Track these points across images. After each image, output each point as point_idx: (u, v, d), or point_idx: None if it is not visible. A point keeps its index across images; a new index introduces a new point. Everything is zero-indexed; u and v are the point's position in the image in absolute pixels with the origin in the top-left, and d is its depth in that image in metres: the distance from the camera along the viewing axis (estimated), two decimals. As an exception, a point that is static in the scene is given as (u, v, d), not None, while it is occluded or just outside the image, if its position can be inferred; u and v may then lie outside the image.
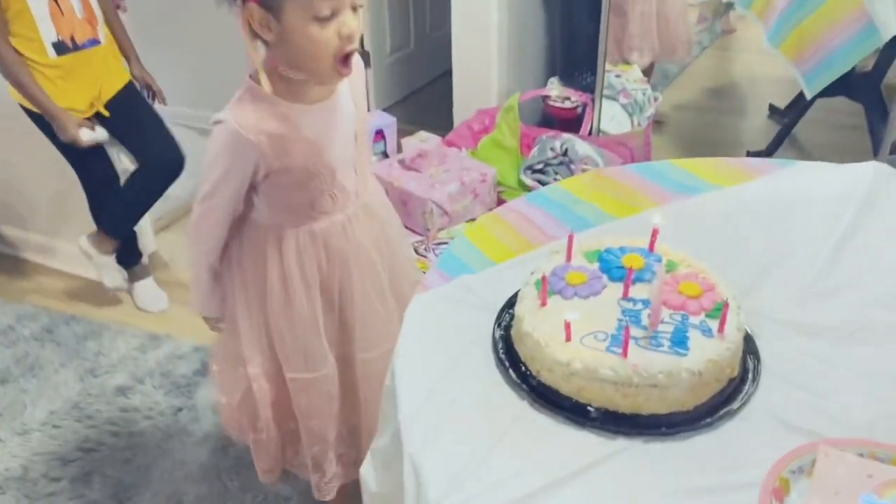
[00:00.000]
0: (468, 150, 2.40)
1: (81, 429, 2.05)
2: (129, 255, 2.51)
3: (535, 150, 2.34)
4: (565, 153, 2.28)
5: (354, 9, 1.19)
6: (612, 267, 1.10)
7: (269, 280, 1.40)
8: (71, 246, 2.64)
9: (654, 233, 1.13)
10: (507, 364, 1.03)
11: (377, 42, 3.58)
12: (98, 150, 2.26)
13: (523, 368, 1.02)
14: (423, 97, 3.91)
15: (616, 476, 0.90)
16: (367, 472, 1.07)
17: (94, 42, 2.19)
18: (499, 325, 1.10)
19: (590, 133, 2.51)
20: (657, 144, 3.20)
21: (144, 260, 2.63)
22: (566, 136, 2.34)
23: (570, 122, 2.62)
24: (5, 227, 2.76)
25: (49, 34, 2.10)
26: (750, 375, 1.02)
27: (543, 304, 1.05)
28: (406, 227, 2.17)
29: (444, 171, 2.17)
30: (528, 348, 1.01)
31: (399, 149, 2.29)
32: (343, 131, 1.34)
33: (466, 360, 1.05)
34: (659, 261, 1.11)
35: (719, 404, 0.97)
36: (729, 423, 0.96)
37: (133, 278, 2.54)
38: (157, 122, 2.31)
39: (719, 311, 1.00)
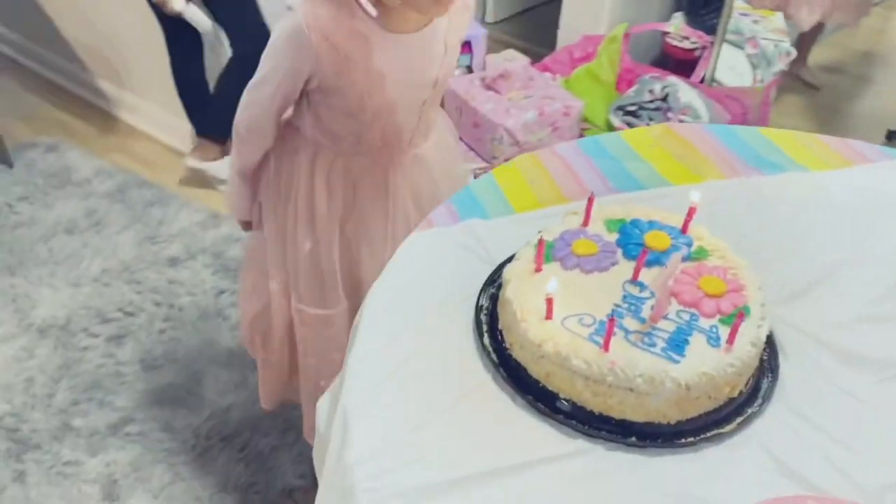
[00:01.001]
0: (562, 77, 2.22)
1: (128, 291, 2.11)
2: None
3: (632, 90, 2.13)
4: (665, 98, 2.06)
5: None
6: (630, 242, 0.96)
7: (297, 193, 1.31)
8: (159, 110, 2.68)
9: (691, 212, 0.97)
10: (482, 329, 0.93)
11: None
12: (190, 29, 2.23)
13: (499, 338, 0.91)
14: (543, 14, 3.66)
15: (562, 479, 0.79)
16: (321, 410, 1.00)
17: None
18: (491, 284, 0.98)
19: (702, 81, 2.25)
20: (784, 107, 2.88)
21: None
22: (671, 79, 2.11)
23: (686, 64, 2.37)
24: (103, 82, 2.82)
25: None
26: (759, 398, 0.87)
27: (538, 269, 0.92)
28: (471, 151, 2.05)
29: (525, 96, 2.01)
30: (506, 317, 0.90)
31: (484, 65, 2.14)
32: (421, 73, 1.21)
33: (443, 314, 0.95)
34: (688, 244, 0.96)
35: (709, 424, 0.83)
36: (713, 448, 0.82)
37: (213, 156, 2.55)
38: (255, 10, 2.23)
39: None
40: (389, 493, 0.75)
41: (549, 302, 0.85)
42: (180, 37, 2.29)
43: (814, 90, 3.04)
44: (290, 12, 1.14)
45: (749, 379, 0.87)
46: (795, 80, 3.01)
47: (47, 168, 2.55)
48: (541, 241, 0.91)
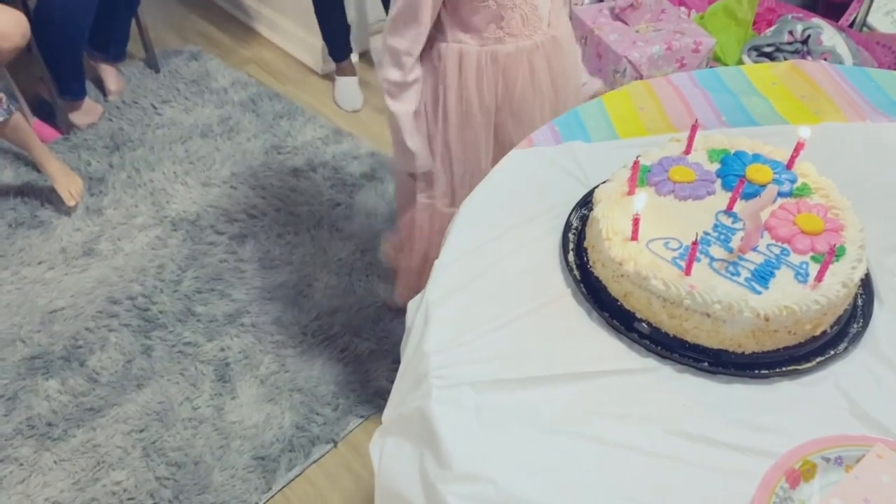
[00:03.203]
0: (697, 13, 2.12)
1: (253, 196, 2.24)
2: (339, 49, 2.59)
3: (771, 29, 2.01)
4: (806, 41, 1.94)
5: None
6: (730, 173, 0.94)
7: (447, 103, 1.35)
8: (295, 25, 2.78)
9: (798, 147, 0.94)
10: (568, 246, 0.94)
11: None
12: None
13: (584, 256, 0.93)
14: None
15: (627, 389, 0.81)
16: (411, 308, 1.05)
17: None
18: (583, 205, 1.00)
19: (851, 25, 2.10)
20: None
21: (354, 58, 2.70)
22: (815, 20, 1.98)
23: (837, 6, 2.21)
24: (246, -4, 2.94)
25: None
26: (845, 341, 0.85)
27: (631, 192, 0.92)
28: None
29: (654, 29, 1.95)
30: (592, 235, 0.91)
31: (615, -6, 2.07)
32: None
33: (533, 229, 0.97)
34: (791, 180, 0.93)
35: (786, 359, 0.83)
36: (787, 382, 0.82)
37: (339, 73, 2.63)
38: None
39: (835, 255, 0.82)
40: (459, 382, 0.79)
41: (636, 223, 0.85)
42: None
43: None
44: None
45: (837, 320, 0.85)
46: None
47: (189, 75, 2.71)
48: (635, 164, 0.91)
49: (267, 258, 2.06)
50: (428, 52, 1.34)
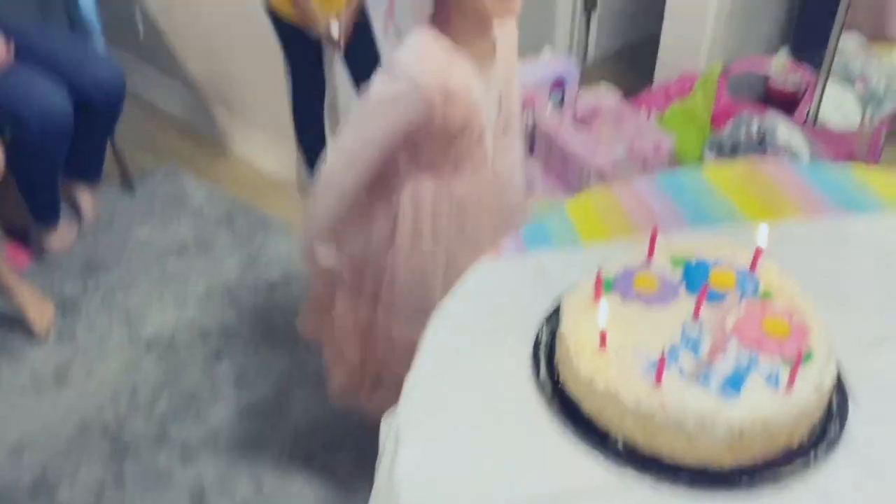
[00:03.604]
0: (657, 113, 2.20)
1: (229, 312, 2.23)
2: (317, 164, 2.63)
3: (728, 127, 2.08)
4: (763, 136, 2.01)
5: None
6: (694, 279, 0.94)
7: (401, 234, 1.37)
8: (267, 139, 2.84)
9: (758, 251, 0.95)
10: (539, 361, 0.93)
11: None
12: (320, 68, 2.33)
13: (555, 371, 0.92)
14: (642, 51, 3.63)
15: (607, 512, 0.78)
16: (384, 427, 1.03)
17: None
18: (551, 316, 0.99)
19: (805, 120, 2.17)
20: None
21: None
22: (770, 116, 2.05)
23: (789, 102, 2.29)
24: (218, 111, 3.00)
25: None
26: (823, 444, 0.83)
27: (596, 301, 0.92)
28: (561, 187, 2.06)
29: (615, 132, 2.01)
30: (561, 350, 0.90)
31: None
32: (493, 97, 1.29)
33: (503, 343, 0.97)
34: (754, 284, 0.93)
35: (766, 466, 0.81)
36: (769, 493, 0.79)
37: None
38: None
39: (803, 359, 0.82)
40: (432, 511, 0.77)
41: (603, 335, 0.85)
42: (306, 71, 2.39)
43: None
44: (387, 72, 1.20)
45: (813, 427, 0.84)
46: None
47: (165, 194, 2.73)
48: (598, 273, 0.92)
49: (243, 376, 2.02)
50: (383, 188, 1.37)
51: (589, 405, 0.85)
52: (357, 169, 1.30)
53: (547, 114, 2.12)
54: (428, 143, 1.27)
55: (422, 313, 1.36)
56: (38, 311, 2.11)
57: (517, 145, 1.44)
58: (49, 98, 2.14)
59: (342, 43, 2.16)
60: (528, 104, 2.14)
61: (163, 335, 2.15)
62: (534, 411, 0.88)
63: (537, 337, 0.96)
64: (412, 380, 0.92)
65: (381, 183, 1.37)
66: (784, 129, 2.01)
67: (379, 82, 1.21)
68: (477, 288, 1.06)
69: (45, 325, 2.11)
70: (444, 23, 1.18)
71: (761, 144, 1.99)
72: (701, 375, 0.82)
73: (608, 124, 2.04)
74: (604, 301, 0.91)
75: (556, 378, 0.90)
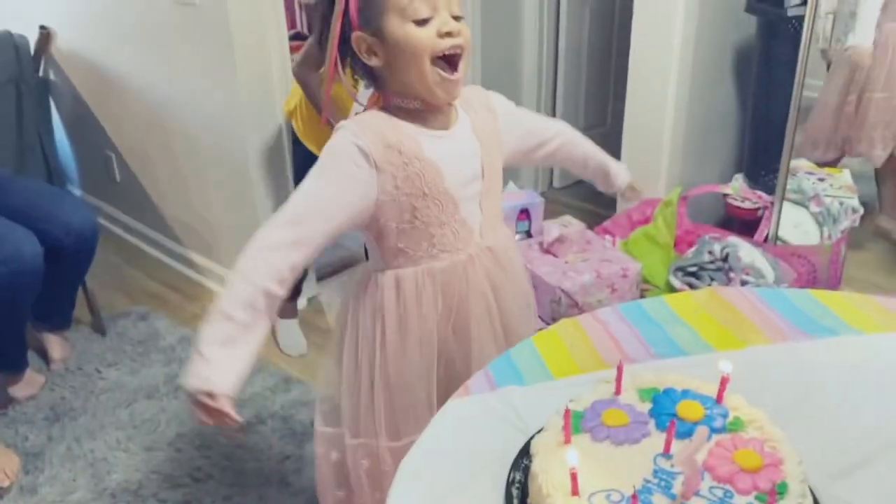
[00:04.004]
0: (621, 240, 2.25)
1: (198, 457, 2.16)
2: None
3: (691, 251, 2.13)
4: (726, 258, 2.06)
5: (457, 18, 1.19)
6: (663, 412, 0.94)
7: (386, 331, 1.32)
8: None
9: (723, 382, 0.95)
10: (511, 501, 0.91)
11: (569, 117, 3.52)
12: None
13: (529, 512, 0.89)
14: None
15: None
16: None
17: None
18: (524, 455, 0.97)
19: (765, 240, 2.24)
20: (860, 264, 2.79)
21: (302, 302, 2.75)
22: (731, 239, 2.11)
23: (750, 224, 2.37)
24: (192, 253, 3.03)
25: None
26: (807, 585, 0.80)
27: (566, 441, 0.91)
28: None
29: (582, 259, 2.05)
30: (533, 493, 0.88)
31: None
32: (465, 165, 1.29)
33: (475, 486, 0.94)
34: (723, 415, 0.93)
35: None
36: None
37: (280, 314, 2.66)
38: None
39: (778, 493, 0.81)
40: None
41: (574, 477, 0.83)
42: None
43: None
44: (334, 134, 1.22)
45: (795, 563, 0.81)
46: (884, 237, 2.95)
47: (137, 336, 2.71)
48: (567, 412, 0.91)
49: (213, 525, 1.94)
50: (364, 283, 1.35)
51: (564, 551, 0.82)
52: (297, 231, 1.19)
53: (515, 240, 2.16)
54: (391, 217, 1.23)
55: (418, 418, 1.32)
56: (3, 463, 2.03)
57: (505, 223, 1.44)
58: (18, 244, 2.15)
59: None
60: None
61: (129, 484, 2.07)
62: (509, 560, 0.85)
63: (509, 479, 0.94)
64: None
65: (364, 279, 1.34)
66: (746, 250, 2.06)
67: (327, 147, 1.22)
68: (445, 430, 1.04)
69: (10, 477, 2.03)
70: (387, 106, 1.24)
71: (725, 264, 2.04)
72: (676, 515, 0.80)
73: (574, 251, 2.08)
74: (575, 440, 0.90)
75: (530, 523, 0.88)
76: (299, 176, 2.42)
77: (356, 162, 1.19)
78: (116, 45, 2.92)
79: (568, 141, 1.56)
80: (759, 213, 2.36)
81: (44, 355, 2.54)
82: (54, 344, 2.53)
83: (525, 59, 3.41)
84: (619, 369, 0.98)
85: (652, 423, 0.93)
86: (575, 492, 0.83)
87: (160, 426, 2.27)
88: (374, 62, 1.20)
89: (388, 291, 1.31)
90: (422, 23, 1.16)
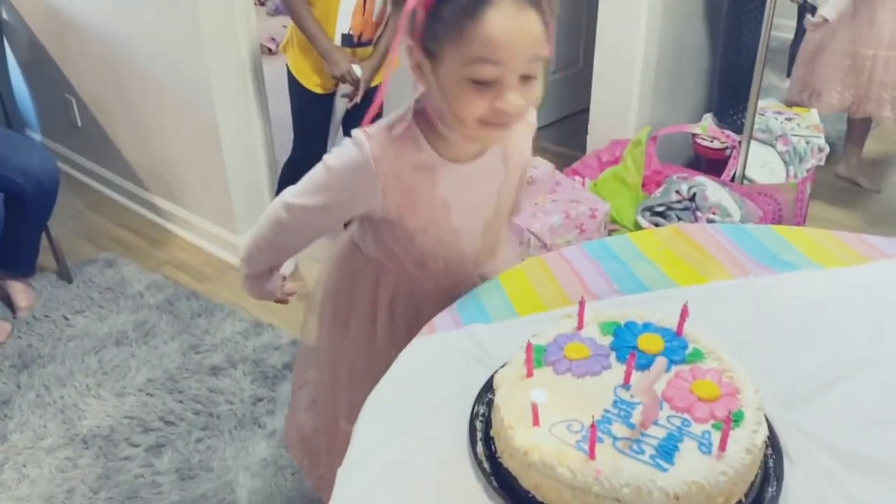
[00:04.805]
0: (591, 181, 2.25)
1: (170, 401, 2.16)
2: None
3: (659, 190, 2.14)
4: (693, 198, 2.07)
5: (526, 78, 1.00)
6: (623, 345, 0.95)
7: (357, 316, 1.29)
8: (209, 225, 2.81)
9: (684, 313, 0.96)
10: (476, 437, 0.92)
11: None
12: (325, 129, 2.39)
13: (492, 446, 0.90)
14: (577, 121, 3.75)
15: None
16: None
17: (370, 43, 2.30)
18: (488, 390, 0.98)
19: (732, 179, 2.26)
20: (825, 204, 2.83)
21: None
22: (698, 178, 2.12)
23: (717, 164, 2.38)
24: (157, 198, 2.99)
25: (343, 25, 2.22)
26: (760, 508, 0.83)
27: (529, 374, 0.92)
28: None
29: (551, 200, 2.05)
30: (496, 424, 0.89)
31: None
32: (482, 193, 1.19)
33: (439, 420, 0.95)
34: (683, 347, 0.95)
35: (703, 536, 0.80)
36: (710, 562, 0.79)
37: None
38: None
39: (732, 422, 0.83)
40: None
41: (535, 408, 0.84)
42: (313, 130, 2.42)
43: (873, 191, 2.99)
44: (350, 143, 1.11)
45: (750, 487, 0.84)
46: (847, 181, 2.98)
47: (104, 282, 2.67)
48: (529, 346, 0.92)
49: (186, 467, 1.95)
50: (347, 252, 1.29)
51: (527, 480, 0.84)
52: (307, 233, 1.23)
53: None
54: (386, 230, 1.19)
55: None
56: (-32, 412, 2.02)
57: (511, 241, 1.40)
58: (-24, 191, 2.10)
59: (362, 87, 2.22)
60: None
61: (101, 429, 2.07)
62: (472, 488, 0.87)
63: (473, 412, 0.95)
64: (344, 469, 0.90)
65: (346, 264, 1.30)
66: (713, 190, 2.08)
67: (342, 146, 1.13)
68: (411, 367, 1.05)
69: (-24, 426, 2.02)
70: (424, 117, 1.10)
71: (692, 203, 2.05)
72: (634, 444, 0.82)
73: (544, 193, 2.08)
74: (537, 373, 0.91)
75: (493, 453, 0.89)
76: (295, 111, 2.40)
77: (365, 185, 1.10)
78: (71, -18, 2.81)
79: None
80: (727, 152, 2.37)
81: (9, 304, 2.51)
82: (19, 292, 2.50)
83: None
84: (581, 304, 0.98)
85: (613, 355, 0.95)
86: (536, 423, 0.84)
87: (130, 372, 2.27)
88: (419, 80, 1.06)
89: (366, 285, 1.26)
90: (481, 85, 0.99)
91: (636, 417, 0.85)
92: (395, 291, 1.25)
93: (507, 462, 0.87)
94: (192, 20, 2.36)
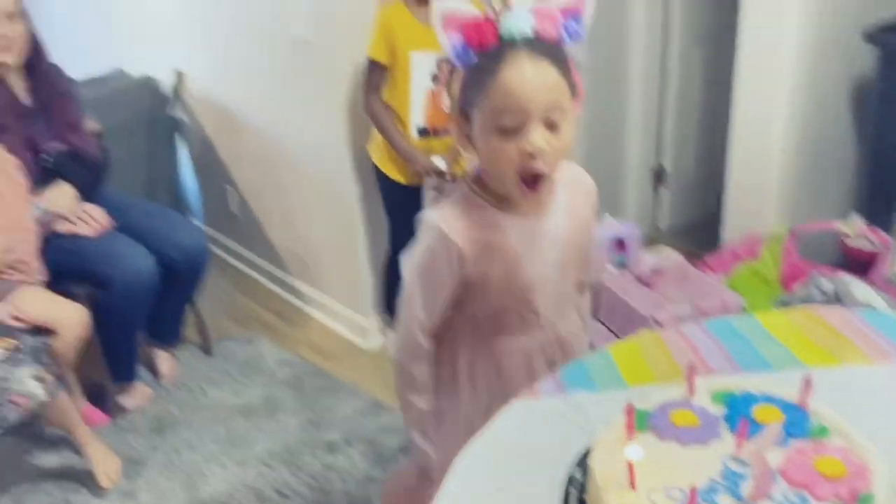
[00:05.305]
0: (724, 276, 2.15)
1: (286, 474, 2.19)
2: None
3: (800, 288, 2.01)
4: (837, 297, 1.92)
5: (551, 126, 1.08)
6: (737, 414, 0.88)
7: (440, 377, 1.30)
8: (342, 308, 2.92)
9: (807, 385, 0.88)
10: (569, 498, 0.87)
11: (677, 157, 3.43)
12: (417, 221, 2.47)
13: (586, 509, 0.85)
14: (711, 223, 3.62)
15: None
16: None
17: (446, 132, 2.32)
18: (587, 455, 0.93)
19: (883, 280, 2.08)
20: None
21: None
22: (844, 276, 1.98)
23: (865, 265, 2.21)
24: (298, 282, 3.14)
25: (417, 119, 2.30)
26: None
27: (630, 438, 0.86)
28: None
29: (680, 292, 1.97)
30: (591, 487, 0.84)
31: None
32: (548, 251, 1.22)
33: (534, 484, 0.91)
34: (804, 420, 0.86)
35: None
36: None
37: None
38: None
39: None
40: None
41: (631, 468, 0.79)
42: (404, 224, 2.51)
43: None
44: (425, 224, 1.20)
45: (880, 582, 0.73)
46: None
47: (242, 357, 2.80)
48: (629, 408, 0.86)
49: (296, 540, 1.95)
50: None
51: (619, 547, 0.77)
52: (425, 326, 1.25)
53: (609, 273, 2.11)
54: (462, 291, 1.22)
55: None
56: (106, 465, 2.14)
57: (586, 305, 1.40)
58: (135, 260, 2.30)
59: (449, 175, 2.28)
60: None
61: (220, 495, 2.12)
62: (562, 557, 0.81)
63: (570, 477, 0.90)
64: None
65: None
66: (861, 289, 1.92)
67: (416, 242, 1.22)
68: (508, 427, 1.01)
69: (112, 479, 2.13)
70: (480, 182, 1.19)
71: (837, 302, 1.91)
72: (742, 517, 0.74)
73: (672, 284, 2.01)
74: (640, 436, 0.85)
75: (587, 521, 0.84)
76: (387, 204, 2.48)
77: (451, 262, 1.18)
78: (239, 85, 3.12)
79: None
80: (878, 254, 2.20)
81: (153, 371, 2.67)
82: (163, 360, 2.66)
83: (630, 108, 3.37)
84: (691, 370, 0.92)
85: (724, 425, 0.87)
86: (632, 485, 0.78)
87: (254, 444, 2.33)
88: (463, 143, 1.16)
89: (444, 353, 1.29)
90: (507, 133, 1.08)
91: (746, 490, 0.78)
92: (474, 353, 1.27)
93: (600, 527, 0.81)
94: (335, 115, 2.55)
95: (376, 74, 2.27)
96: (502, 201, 1.18)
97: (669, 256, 2.08)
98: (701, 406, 0.91)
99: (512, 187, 1.13)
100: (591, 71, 2.93)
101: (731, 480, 0.79)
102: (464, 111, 1.13)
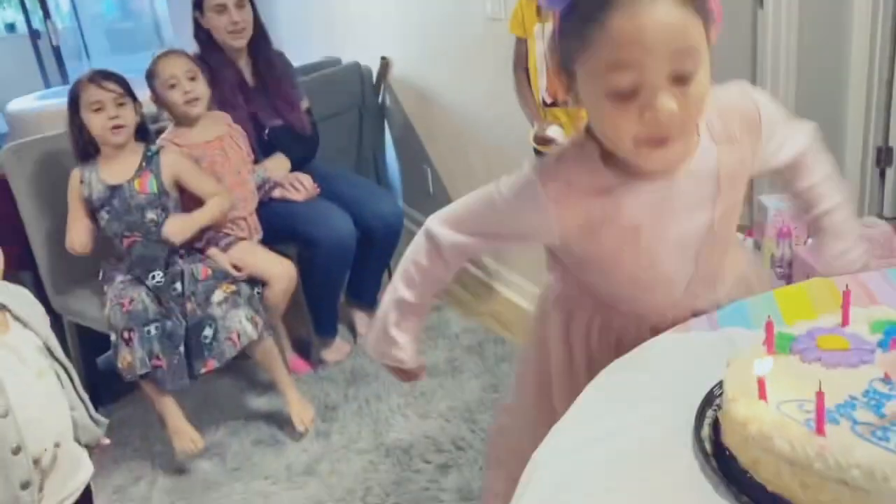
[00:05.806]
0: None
1: (464, 429, 2.29)
2: None
3: None
4: None
5: (681, 79, 0.87)
6: (892, 338, 0.82)
7: (554, 360, 1.19)
8: (523, 280, 2.97)
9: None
10: (704, 419, 0.86)
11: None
12: None
13: (720, 429, 0.83)
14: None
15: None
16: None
17: (566, 103, 2.44)
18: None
19: None
20: None
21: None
22: None
23: None
24: (486, 258, 3.24)
25: (542, 85, 2.32)
26: None
27: (769, 352, 0.84)
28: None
29: (886, 262, 1.79)
30: (724, 400, 0.82)
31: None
32: (684, 214, 1.04)
33: (673, 401, 0.90)
34: (974, 350, 0.78)
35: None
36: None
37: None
38: None
39: None
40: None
41: (762, 383, 0.76)
42: None
43: None
44: (528, 166, 1.06)
45: None
46: None
47: (429, 323, 2.94)
48: (769, 324, 0.84)
49: (467, 489, 2.04)
50: (545, 298, 1.23)
51: (745, 457, 0.76)
52: (467, 252, 1.16)
53: (806, 245, 1.96)
54: (571, 260, 1.11)
55: None
56: (301, 411, 2.36)
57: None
58: (338, 223, 2.52)
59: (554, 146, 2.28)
60: (784, 236, 2.02)
61: (402, 443, 2.27)
62: (687, 468, 0.80)
63: (710, 394, 0.89)
64: (560, 425, 0.90)
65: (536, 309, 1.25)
66: None
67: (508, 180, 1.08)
68: (652, 353, 1.01)
69: (306, 424, 2.35)
70: (595, 138, 1.01)
71: None
72: (878, 431, 0.70)
73: (877, 256, 1.83)
74: (779, 357, 0.83)
75: (719, 435, 0.82)
76: None
77: (534, 211, 1.03)
78: (435, 68, 3.28)
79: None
80: None
81: (353, 329, 2.90)
82: (361, 321, 2.88)
83: (852, 70, 3.09)
84: (846, 295, 0.87)
85: (878, 351, 0.82)
86: (762, 396, 0.76)
87: (435, 399, 2.46)
88: (564, 97, 1.02)
89: (556, 324, 1.17)
90: (623, 98, 0.89)
91: (890, 409, 0.73)
92: (590, 326, 1.14)
93: (728, 439, 0.79)
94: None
95: (517, 48, 2.35)
96: (620, 160, 0.99)
97: (876, 225, 1.90)
98: (854, 332, 0.85)
99: (631, 154, 0.95)
100: (807, 29, 2.74)
101: (875, 399, 0.74)
102: (564, 65, 0.95)
